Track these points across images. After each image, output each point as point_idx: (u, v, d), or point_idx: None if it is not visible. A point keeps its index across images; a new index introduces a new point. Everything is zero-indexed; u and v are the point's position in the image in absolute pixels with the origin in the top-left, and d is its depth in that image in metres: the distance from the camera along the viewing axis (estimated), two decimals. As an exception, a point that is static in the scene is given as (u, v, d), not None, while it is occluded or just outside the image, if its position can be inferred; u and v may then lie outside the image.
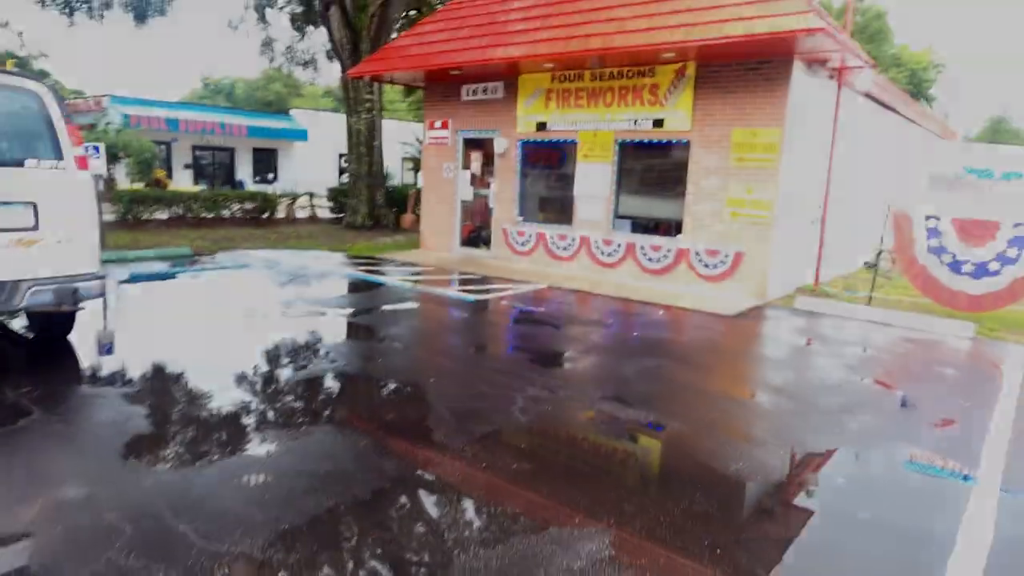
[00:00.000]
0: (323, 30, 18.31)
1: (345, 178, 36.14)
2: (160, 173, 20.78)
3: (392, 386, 5.48)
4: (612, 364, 6.44)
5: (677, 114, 10.35)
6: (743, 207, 9.91)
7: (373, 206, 17.44)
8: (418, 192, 20.10)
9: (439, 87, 13.48)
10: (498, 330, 7.80)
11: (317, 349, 6.33)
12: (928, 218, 8.95)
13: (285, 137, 33.01)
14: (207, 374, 5.40)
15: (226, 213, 17.99)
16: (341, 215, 20.49)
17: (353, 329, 7.37)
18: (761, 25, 8.35)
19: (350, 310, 8.20)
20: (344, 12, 16.24)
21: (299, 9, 24.53)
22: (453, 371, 5.94)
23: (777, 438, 4.63)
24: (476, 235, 13.95)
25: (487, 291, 9.89)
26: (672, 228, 10.86)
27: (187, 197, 17.11)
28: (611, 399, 5.26)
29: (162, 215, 16.70)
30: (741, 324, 8.37)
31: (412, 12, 21.47)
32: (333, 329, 7.25)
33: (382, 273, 11.16)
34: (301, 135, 33.14)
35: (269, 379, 5.45)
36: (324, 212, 21.02)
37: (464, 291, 9.81)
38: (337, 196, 20.68)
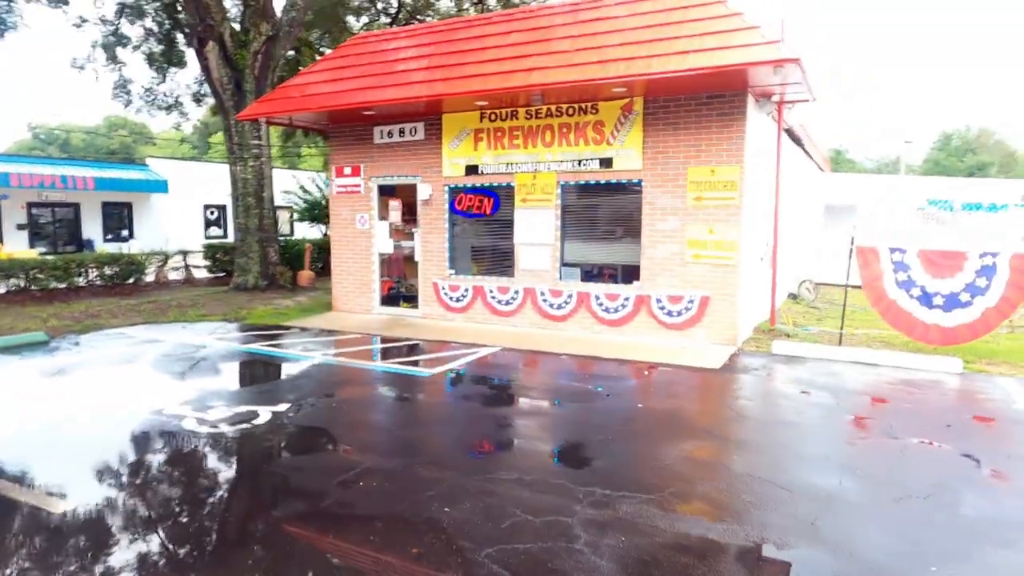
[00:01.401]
0: (186, 71, 16.29)
1: (213, 231, 33.23)
2: (-10, 237, 17.36)
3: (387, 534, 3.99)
4: (649, 454, 5.31)
5: (627, 153, 9.63)
6: (705, 248, 9.28)
7: (266, 264, 15.39)
8: (313, 246, 18.23)
9: (348, 129, 12.02)
10: (481, 420, 6.44)
11: (259, 489, 4.68)
12: (894, 251, 8.73)
13: (141, 189, 29.60)
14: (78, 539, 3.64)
15: (81, 281, 15.17)
16: (222, 275, 18.10)
17: (293, 441, 5.72)
18: (731, 56, 7.80)
19: (277, 410, 6.48)
20: (223, 48, 14.37)
21: (158, 48, 22.03)
22: (461, 494, 4.54)
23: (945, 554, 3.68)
24: (396, 292, 12.46)
25: (435, 361, 8.48)
26: (627, 274, 10.04)
27: (31, 265, 14.18)
28: (712, 517, 4.11)
29: (-1, 289, 13.71)
30: (737, 380, 7.56)
31: (290, 52, 19.83)
32: (264, 449, 5.57)
33: (296, 347, 9.39)
34: (160, 186, 29.88)
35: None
36: (201, 272, 18.48)
37: (407, 364, 8.34)
38: (216, 254, 18.27)
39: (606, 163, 9.79)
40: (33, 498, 4.35)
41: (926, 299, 8.54)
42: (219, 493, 4.57)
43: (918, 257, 8.59)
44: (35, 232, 27.34)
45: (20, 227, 26.75)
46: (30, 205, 26.90)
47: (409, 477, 4.70)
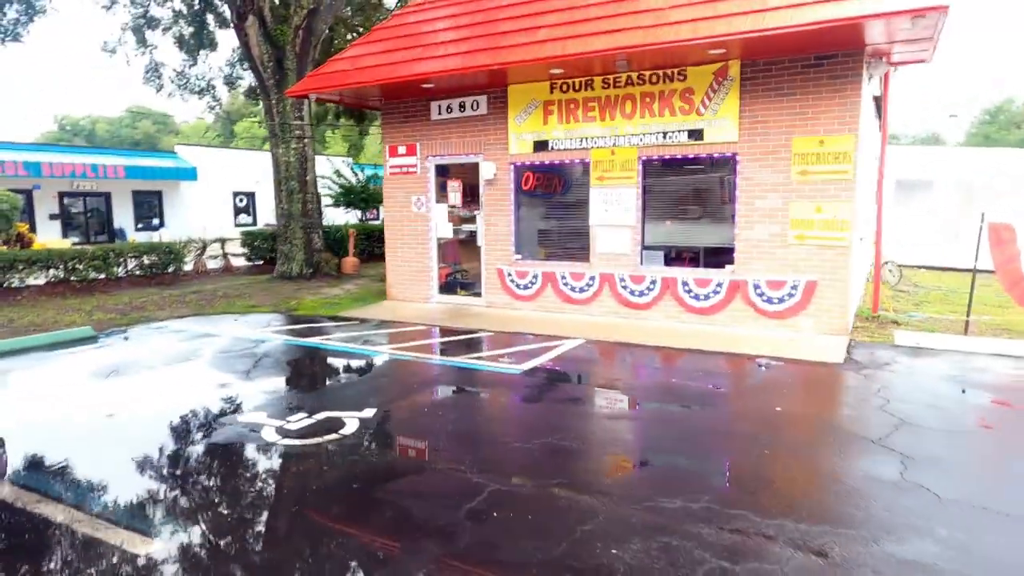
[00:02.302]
0: (217, 54, 15.59)
1: (242, 219, 32.71)
2: (22, 227, 16.89)
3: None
4: (822, 473, 4.48)
5: (720, 123, 8.68)
6: (811, 228, 8.33)
7: (310, 251, 14.68)
8: (358, 232, 17.52)
9: (402, 105, 11.19)
10: (602, 428, 5.62)
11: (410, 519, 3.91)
12: (1033, 228, 7.72)
13: (171, 177, 29.16)
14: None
15: (120, 272, 14.59)
16: (260, 263, 17.47)
17: (393, 457, 4.97)
18: (863, 5, 6.81)
19: (363, 417, 5.72)
20: (263, 24, 13.58)
21: (188, 30, 21.35)
22: (624, 529, 3.73)
23: None
24: (453, 279, 11.67)
25: (518, 356, 7.67)
26: (717, 258, 9.13)
27: (70, 255, 13.62)
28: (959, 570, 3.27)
29: (37, 280, 13.15)
30: (874, 377, 6.65)
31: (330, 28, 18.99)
32: (364, 468, 4.81)
33: (359, 341, 8.65)
34: (190, 174, 29.40)
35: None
36: (239, 261, 17.86)
37: (489, 360, 7.55)
38: (255, 241, 17.62)
39: (695, 135, 8.85)
40: (115, 536, 3.62)
41: (1072, 282, 7.54)
42: (332, 529, 3.81)
43: (1063, 235, 7.58)
44: (67, 222, 27.01)
45: (52, 217, 26.43)
46: (61, 195, 26.55)
47: (550, 505, 3.91)
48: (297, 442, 4.95)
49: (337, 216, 25.39)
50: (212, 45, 21.52)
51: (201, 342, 8.63)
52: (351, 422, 5.37)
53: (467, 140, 10.64)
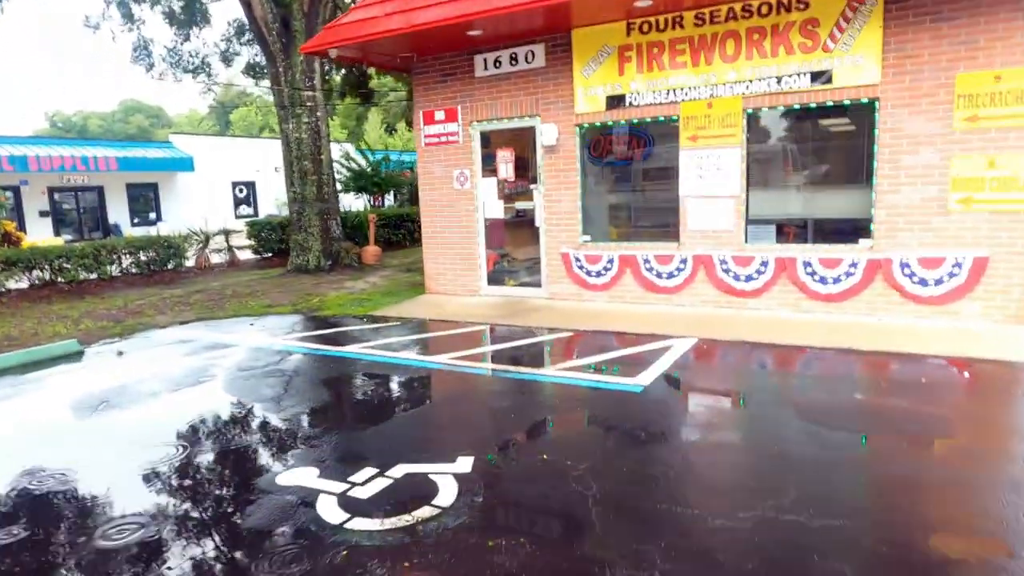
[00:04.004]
0: (212, 29, 13.73)
1: (243, 210, 30.91)
2: (9, 226, 15.15)
3: None
4: None
5: (854, 60, 6.88)
6: (982, 190, 6.57)
7: (328, 240, 12.92)
8: (378, 216, 15.76)
9: (438, 63, 9.37)
10: (878, 488, 3.92)
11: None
12: None
13: (166, 168, 27.35)
14: None
15: (115, 270, 12.87)
16: (269, 255, 15.73)
17: (539, 553, 3.25)
18: None
19: (460, 473, 3.99)
20: (266, -21, 11.72)
21: (179, 3, 19.42)
22: None
23: None
24: (501, 267, 9.91)
25: (624, 363, 5.94)
26: (846, 231, 7.37)
27: (56, 254, 11.87)
28: None
29: (20, 284, 11.43)
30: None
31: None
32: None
33: (409, 349, 6.93)
34: (186, 164, 27.59)
35: None
36: (245, 254, 16.12)
37: (588, 371, 5.81)
38: (262, 232, 15.86)
39: (821, 78, 7.05)
40: None
41: None
42: None
43: None
44: (59, 219, 25.26)
45: (43, 214, 24.67)
46: (51, 190, 24.79)
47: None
48: (376, 525, 3.23)
49: (346, 202, 23.62)
50: (205, 19, 19.58)
51: (212, 356, 6.90)
52: (445, 484, 3.64)
53: (520, 100, 8.84)
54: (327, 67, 15.66)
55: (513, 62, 8.78)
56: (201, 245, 15.05)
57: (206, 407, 5.29)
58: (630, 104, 8.10)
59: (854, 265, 7.18)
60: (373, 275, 12.55)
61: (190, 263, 14.63)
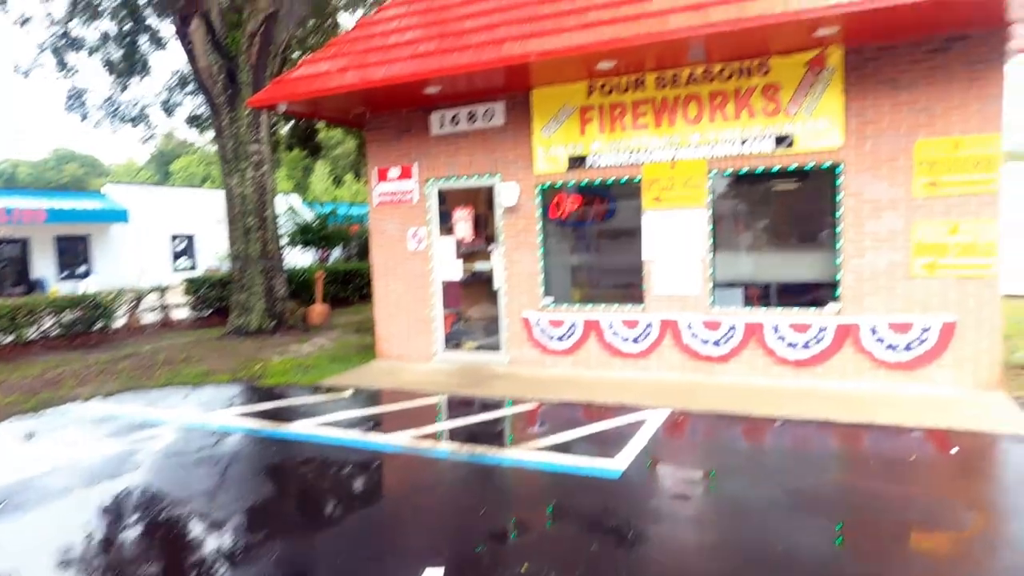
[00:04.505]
0: (150, 79, 13.11)
1: (182, 263, 29.62)
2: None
3: None
4: None
5: (816, 126, 6.89)
6: (945, 255, 6.56)
7: (272, 300, 12.21)
8: (325, 272, 15.11)
9: (394, 118, 9.06)
10: None
11: None
12: None
13: (99, 220, 26.04)
14: None
15: (33, 334, 11.80)
16: (208, 314, 14.82)
17: None
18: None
19: None
20: (211, 30, 11.29)
21: (118, 52, 18.77)
22: None
23: None
24: (457, 329, 9.45)
25: (602, 441, 5.53)
26: (814, 295, 7.26)
27: (-37, 317, 10.80)
28: None
29: (-82, 351, 10.30)
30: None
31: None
32: None
33: (360, 427, 6.36)
34: (120, 216, 26.36)
35: None
36: (181, 312, 15.16)
37: (558, 451, 5.37)
38: (200, 289, 14.97)
39: (784, 142, 7.03)
40: None
41: None
42: None
43: None
44: (-25, 274, 23.55)
45: (-44, 269, 22.99)
46: (-33, 244, 23.19)
47: None
48: (329, 675, 2.66)
49: (292, 257, 22.83)
50: (145, 69, 18.97)
51: (138, 438, 6.15)
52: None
53: (479, 158, 8.57)
54: (274, 119, 15.22)
55: (471, 120, 8.54)
56: (133, 304, 14.05)
57: (126, 508, 4.58)
58: (592, 164, 7.92)
59: (823, 330, 7.03)
60: (320, 336, 11.87)
61: (121, 323, 13.61)
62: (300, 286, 14.60)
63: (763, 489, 4.49)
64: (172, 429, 6.41)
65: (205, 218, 29.20)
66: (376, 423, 6.52)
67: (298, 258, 22.23)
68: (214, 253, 28.93)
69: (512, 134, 8.34)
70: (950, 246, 6.54)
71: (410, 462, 5.35)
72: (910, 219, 6.65)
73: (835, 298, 7.04)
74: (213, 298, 14.85)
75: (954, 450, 5.06)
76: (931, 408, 6.05)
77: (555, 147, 8.08)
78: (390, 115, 9.04)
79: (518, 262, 8.47)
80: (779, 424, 5.86)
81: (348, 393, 7.69)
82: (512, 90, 8.19)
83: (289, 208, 19.79)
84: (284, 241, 16.91)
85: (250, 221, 11.94)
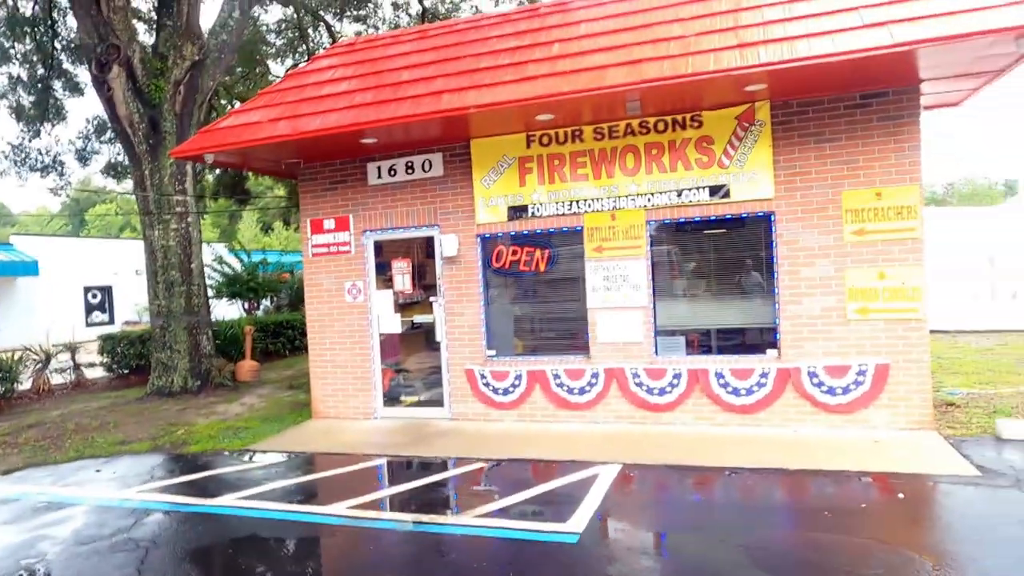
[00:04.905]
0: (64, 126, 12.42)
1: (97, 317, 27.89)
2: None
3: None
4: None
5: (749, 177, 7.10)
6: (876, 299, 6.79)
7: (198, 358, 11.51)
8: (255, 325, 14.44)
9: (327, 169, 8.82)
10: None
11: None
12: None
13: (4, 273, 24.31)
14: None
15: (-78, 402, 10.68)
16: (125, 373, 13.83)
17: None
18: (949, 24, 5.50)
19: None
20: (133, 77, 10.83)
21: (28, 99, 17.83)
22: None
23: None
24: (396, 384, 9.12)
25: (554, 501, 5.33)
26: (754, 341, 7.37)
27: None
28: None
29: None
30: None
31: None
32: None
33: (295, 497, 5.95)
34: (29, 268, 24.72)
35: None
36: (96, 372, 14.11)
37: (519, 518, 5.13)
38: (117, 346, 14.00)
39: (719, 192, 7.20)
40: None
41: None
42: None
43: None
44: None
45: None
46: None
47: None
48: None
49: (219, 310, 21.88)
50: (60, 115, 18.07)
51: (43, 523, 5.52)
52: None
53: (418, 209, 8.42)
54: (199, 168, 14.68)
55: (409, 171, 8.41)
56: (40, 365, 12.98)
57: (26, 610, 4.03)
58: (533, 215, 7.89)
59: (765, 375, 7.12)
60: (250, 395, 11.24)
61: (27, 386, 12.52)
62: (227, 341, 13.86)
63: (723, 548, 4.38)
64: (83, 510, 5.80)
65: (123, 269, 27.75)
66: (314, 492, 6.11)
67: (225, 310, 21.32)
68: (133, 305, 27.41)
69: (452, 184, 8.24)
70: (880, 291, 6.78)
71: (352, 536, 4.98)
72: (842, 266, 6.88)
73: (775, 343, 7.16)
74: (132, 355, 13.88)
75: (900, 495, 5.11)
76: (872, 451, 6.15)
77: (495, 197, 8.03)
78: (324, 165, 8.80)
79: (460, 314, 8.28)
80: (730, 474, 5.81)
81: (282, 458, 7.21)
82: (451, 141, 8.13)
83: (217, 258, 19.05)
84: (210, 293, 16.15)
85: (173, 275, 11.31)
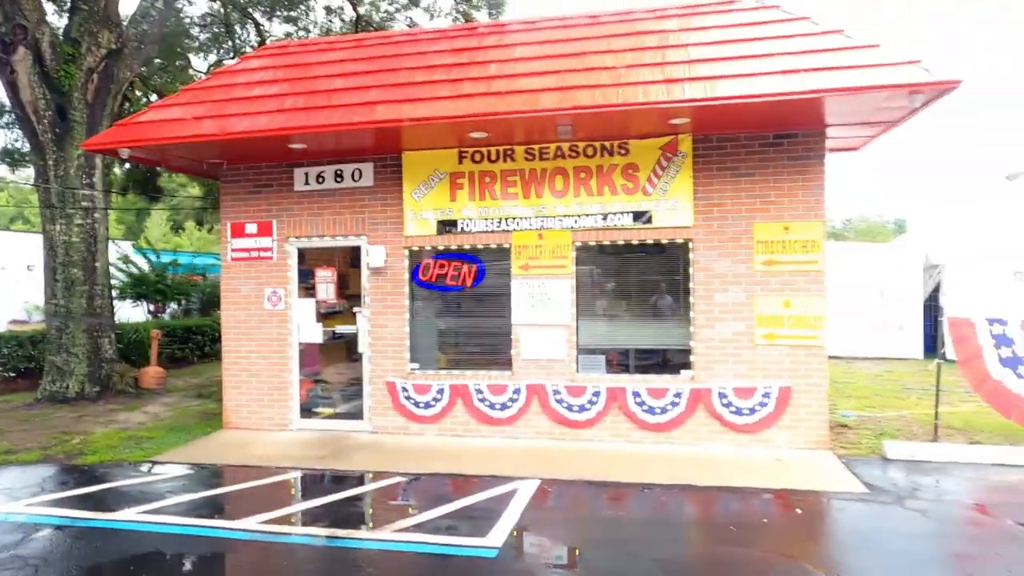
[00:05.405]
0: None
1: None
2: None
3: None
4: None
5: (671, 205, 7.44)
6: (781, 327, 7.24)
7: (99, 362, 10.83)
8: (162, 330, 13.71)
9: (252, 172, 8.58)
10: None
11: None
12: (992, 322, 7.33)
13: None
14: None
15: None
16: (13, 376, 12.81)
17: None
18: (861, 76, 6.01)
19: None
20: (40, 61, 10.18)
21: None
22: None
23: None
24: (315, 395, 8.93)
25: (473, 516, 5.36)
26: (672, 361, 7.69)
27: None
28: None
29: None
30: (937, 516, 5.41)
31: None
32: None
33: (206, 511, 5.73)
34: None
35: None
36: (-22, 375, 12.98)
37: (436, 532, 5.13)
38: (3, 347, 12.95)
39: (642, 218, 7.50)
40: None
41: (1037, 378, 7.15)
42: None
43: (1023, 329, 7.24)
44: None
45: None
46: None
47: None
48: None
49: (123, 312, 20.64)
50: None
51: (-86, 539, 5.05)
52: None
53: (345, 218, 8.31)
54: (109, 161, 13.90)
55: (339, 179, 8.30)
56: (-88, 366, 11.85)
57: None
58: (462, 230, 7.95)
59: (679, 395, 7.43)
60: (154, 403, 10.66)
61: None
62: (131, 345, 13.10)
63: (636, 561, 4.54)
64: (-39, 525, 5.34)
65: (12, 264, 25.72)
66: (223, 506, 5.88)
67: (129, 312, 20.16)
68: (22, 303, 25.42)
69: (381, 195, 8.19)
70: (785, 318, 7.24)
71: (263, 552, 4.83)
72: (752, 293, 7.30)
73: (689, 365, 7.49)
74: (20, 357, 12.87)
75: (798, 511, 5.45)
76: (775, 469, 6.53)
77: (425, 211, 8.04)
78: (249, 168, 8.55)
79: (384, 325, 8.20)
80: (644, 490, 6.02)
81: (190, 471, 6.89)
82: (382, 152, 8.10)
83: (123, 257, 18.00)
84: (114, 293, 15.23)
85: (75, 273, 10.62)
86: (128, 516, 5.51)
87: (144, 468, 7.05)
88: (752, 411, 7.28)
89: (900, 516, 5.30)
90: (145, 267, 18.20)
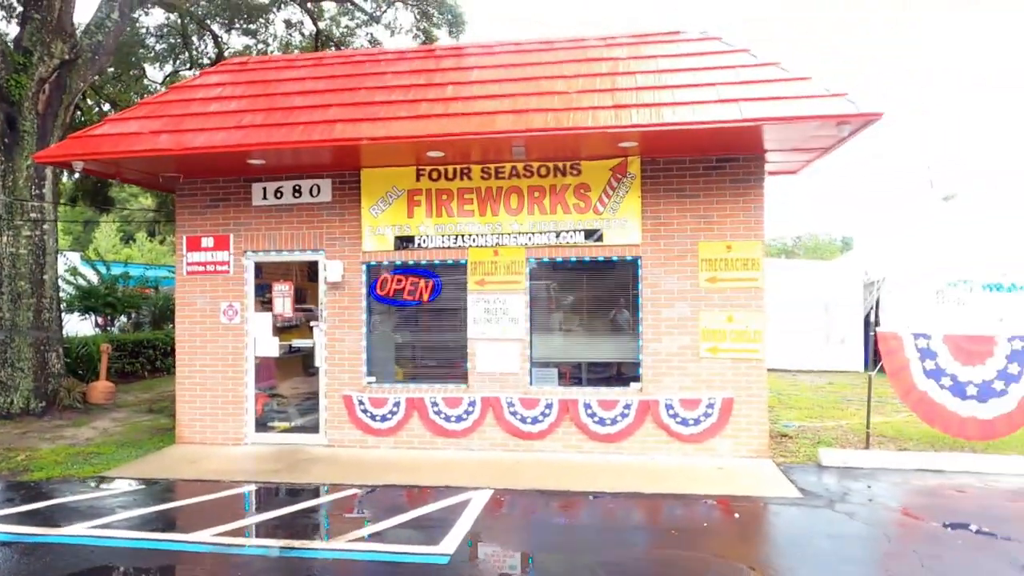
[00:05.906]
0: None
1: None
2: None
3: None
4: None
5: (621, 223, 7.76)
6: (724, 340, 7.61)
7: (45, 377, 10.59)
8: (112, 344, 13.43)
9: (209, 186, 8.61)
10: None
11: None
12: (918, 336, 7.83)
13: None
14: None
15: None
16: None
17: None
18: (789, 107, 6.43)
19: None
20: (-11, 69, 10.01)
21: None
22: None
23: None
24: (269, 409, 8.94)
25: (426, 525, 5.50)
26: (621, 374, 7.98)
27: None
28: None
29: None
30: (863, 517, 5.77)
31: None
32: None
33: (158, 525, 5.74)
34: None
35: None
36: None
37: (392, 541, 5.27)
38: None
39: (593, 236, 7.81)
40: None
41: (958, 389, 7.65)
42: None
43: (945, 343, 7.75)
44: None
45: None
46: None
47: None
48: None
49: (70, 325, 20.06)
50: None
51: None
52: None
53: (303, 233, 8.40)
54: (59, 172, 13.64)
55: (297, 194, 8.39)
56: None
57: None
58: (419, 245, 8.13)
59: (628, 407, 7.71)
60: (104, 418, 10.47)
61: None
62: (80, 360, 12.82)
63: (583, 565, 4.75)
64: (-98, 543, 5.24)
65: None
66: (176, 520, 5.88)
67: (76, 325, 19.63)
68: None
69: (340, 211, 8.32)
70: (728, 332, 7.60)
71: (217, 563, 4.88)
72: (697, 309, 7.65)
73: (637, 377, 7.79)
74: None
75: (737, 515, 5.75)
76: (717, 477, 6.85)
77: (383, 226, 8.20)
78: (206, 182, 8.58)
79: (341, 339, 8.30)
80: (593, 498, 6.26)
81: (141, 486, 6.85)
82: (341, 168, 8.24)
83: (71, 268, 17.57)
84: (62, 306, 14.85)
85: (22, 285, 10.40)
86: (78, 531, 5.48)
87: (93, 484, 6.98)
88: (697, 421, 7.61)
89: (830, 518, 5.64)
90: (94, 279, 17.79)
